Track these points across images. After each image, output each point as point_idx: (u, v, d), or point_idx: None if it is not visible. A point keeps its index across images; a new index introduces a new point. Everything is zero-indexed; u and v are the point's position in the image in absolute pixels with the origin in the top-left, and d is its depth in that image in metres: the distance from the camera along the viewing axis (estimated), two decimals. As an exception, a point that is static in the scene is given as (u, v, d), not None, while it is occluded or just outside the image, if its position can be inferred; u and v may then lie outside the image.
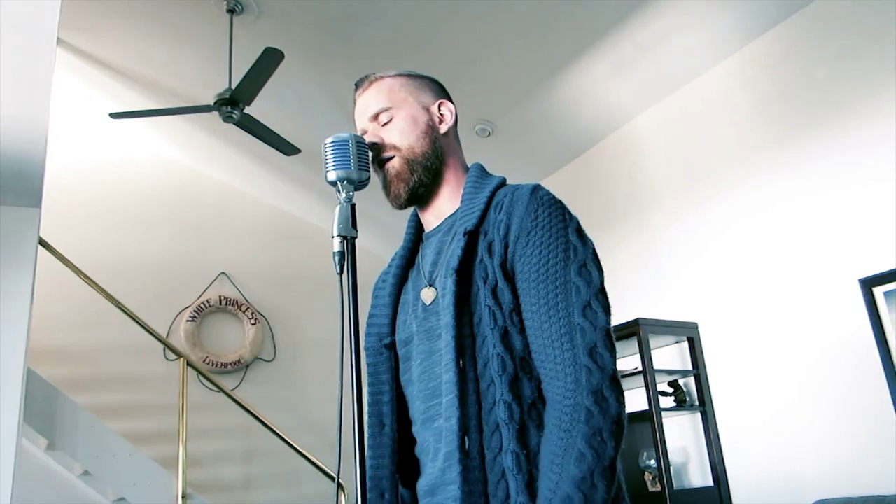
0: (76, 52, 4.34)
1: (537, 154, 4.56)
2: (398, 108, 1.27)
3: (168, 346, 4.57)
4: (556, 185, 4.56)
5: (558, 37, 3.56)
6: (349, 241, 1.13)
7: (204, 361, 5.03)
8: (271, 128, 3.91)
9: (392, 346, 1.27)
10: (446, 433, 1.09)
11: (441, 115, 1.30)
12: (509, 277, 1.12)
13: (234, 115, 3.64)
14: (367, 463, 1.18)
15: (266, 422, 4.43)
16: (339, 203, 1.17)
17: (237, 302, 5.32)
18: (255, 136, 3.89)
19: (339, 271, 1.11)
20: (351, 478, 1.04)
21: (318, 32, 3.78)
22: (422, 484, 1.18)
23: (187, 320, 5.11)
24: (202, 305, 5.20)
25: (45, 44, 1.72)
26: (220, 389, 4.50)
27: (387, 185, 1.27)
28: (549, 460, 1.00)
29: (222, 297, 5.28)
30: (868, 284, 2.81)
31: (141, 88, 4.64)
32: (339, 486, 4.19)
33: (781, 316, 3.15)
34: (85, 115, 5.06)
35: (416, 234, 1.35)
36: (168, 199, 5.37)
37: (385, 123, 1.27)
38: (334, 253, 1.12)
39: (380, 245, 5.27)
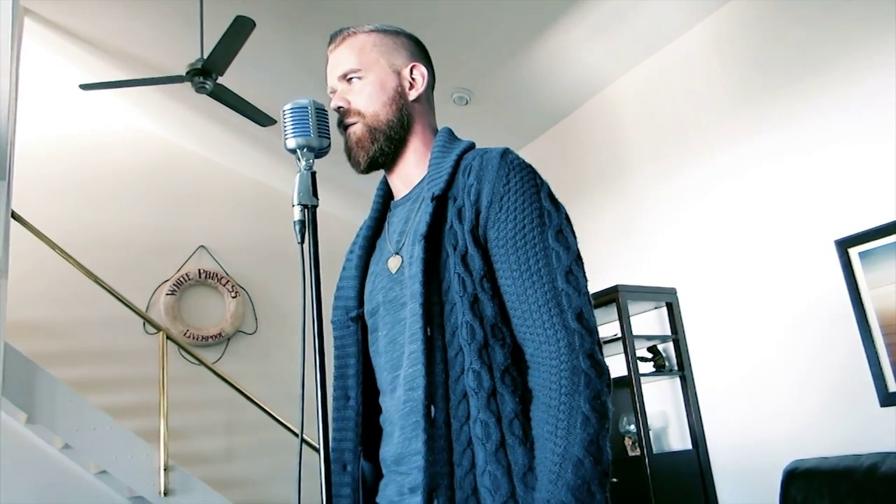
0: (45, 23, 4.24)
1: (516, 121, 4.52)
2: (367, 71, 1.24)
3: (147, 320, 4.55)
4: (535, 153, 4.57)
5: (534, 1, 3.51)
6: (310, 210, 1.12)
7: (185, 335, 5.01)
8: (246, 98, 3.84)
9: (360, 319, 1.25)
10: (412, 402, 1.08)
11: (412, 79, 1.27)
12: (480, 244, 1.10)
13: (207, 86, 3.57)
14: (331, 436, 1.17)
15: (247, 393, 4.43)
16: (299, 171, 1.14)
17: (217, 275, 5.29)
18: (229, 106, 3.83)
19: (300, 241, 1.10)
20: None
21: (290, -1, 3.70)
22: (386, 454, 1.17)
23: (167, 294, 5.07)
24: (181, 279, 5.16)
25: (1, 15, 1.66)
26: (201, 362, 4.50)
27: (348, 151, 1.25)
28: (552, 425, 1.00)
29: (202, 271, 5.24)
30: (843, 245, 2.83)
31: (112, 59, 4.55)
32: (305, 441, 4.20)
33: (759, 279, 3.17)
34: (57, 87, 4.96)
35: (384, 202, 1.33)
36: (144, 172, 5.29)
37: (353, 84, 1.24)
38: (295, 222, 1.10)
39: (351, 211, 5.25)
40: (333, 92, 1.26)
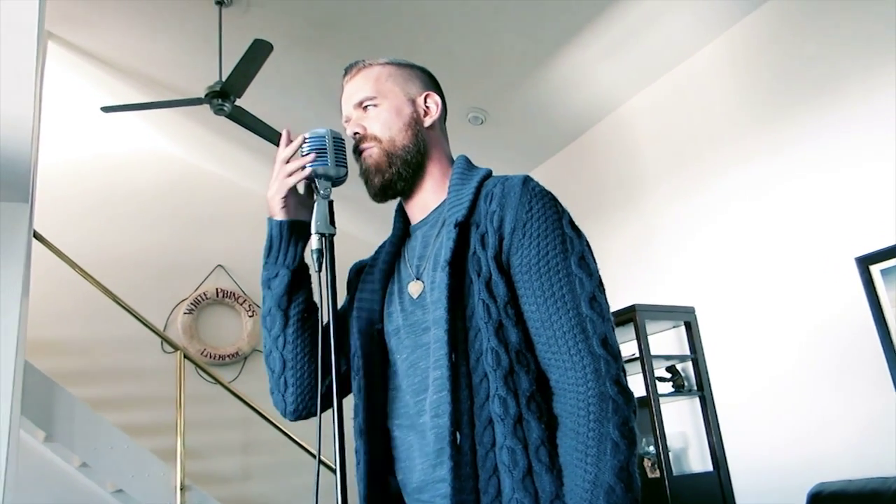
0: (68, 46, 4.33)
1: (531, 141, 4.53)
2: (383, 98, 1.25)
3: (165, 339, 4.57)
4: (550, 172, 4.56)
5: (548, 21, 3.53)
6: (327, 238, 1.13)
7: (202, 354, 5.03)
8: (263, 119, 3.89)
9: (381, 334, 1.24)
10: (437, 429, 1.07)
11: (426, 107, 1.28)
12: (503, 270, 1.10)
13: (225, 108, 3.62)
14: (364, 449, 1.16)
15: (263, 412, 4.43)
16: (317, 199, 1.16)
17: (234, 294, 5.32)
18: (246, 127, 3.87)
19: (317, 269, 1.11)
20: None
21: (307, 22, 3.75)
22: (407, 481, 1.16)
23: (184, 313, 5.11)
24: (199, 298, 5.19)
25: (26, 39, 1.70)
26: (217, 381, 4.51)
27: (365, 176, 1.25)
28: (582, 452, 0.99)
29: (219, 290, 5.27)
30: (865, 262, 2.79)
31: (133, 81, 4.63)
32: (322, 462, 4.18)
33: (779, 297, 3.14)
34: (79, 109, 5.04)
35: (403, 225, 1.33)
36: (164, 192, 5.36)
37: (368, 111, 1.25)
38: (312, 250, 1.12)
39: (367, 229, 5.27)
40: (348, 120, 1.27)
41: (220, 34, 3.73)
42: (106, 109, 3.65)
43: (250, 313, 5.31)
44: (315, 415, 1.24)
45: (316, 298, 1.18)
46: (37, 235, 3.89)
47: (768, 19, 3.29)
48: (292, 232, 1.23)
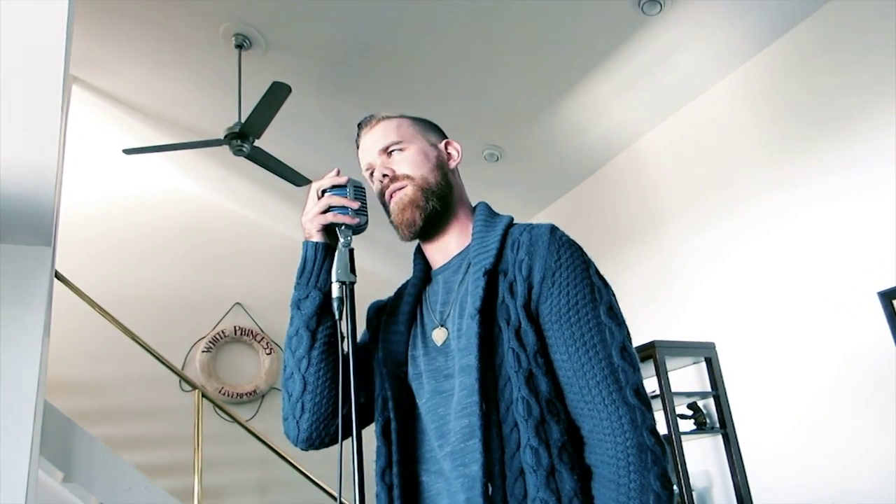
0: (91, 89, 4.43)
1: (546, 177, 4.55)
2: (409, 143, 1.26)
3: (183, 378, 4.58)
4: (566, 208, 4.58)
5: (562, 59, 3.57)
6: (348, 287, 1.13)
7: (220, 392, 5.03)
8: (281, 159, 3.94)
9: (406, 376, 1.24)
10: (466, 479, 1.06)
11: (449, 153, 1.31)
12: (533, 318, 1.10)
13: (245, 149, 3.68)
14: (385, 494, 1.16)
15: (281, 452, 4.40)
16: (338, 248, 1.17)
17: (252, 332, 5.33)
18: (265, 168, 3.92)
19: (338, 317, 1.11)
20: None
21: (325, 64, 3.82)
22: None
23: (203, 351, 5.12)
24: (217, 336, 5.21)
25: (52, 85, 1.74)
26: (235, 420, 4.50)
27: (399, 214, 1.24)
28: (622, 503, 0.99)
29: (237, 328, 5.29)
30: (888, 297, 2.75)
31: (155, 123, 4.72)
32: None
33: (800, 332, 3.09)
34: (101, 150, 5.15)
35: (423, 269, 1.33)
36: (183, 231, 5.42)
37: (394, 156, 1.26)
38: (333, 298, 1.12)
39: (386, 267, 5.28)
40: (370, 169, 1.28)
41: (239, 76, 3.80)
42: (128, 152, 3.72)
43: (268, 351, 5.32)
44: (327, 445, 1.24)
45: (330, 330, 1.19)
46: (58, 275, 3.94)
47: (783, 53, 3.31)
48: (327, 254, 1.23)
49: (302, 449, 1.26)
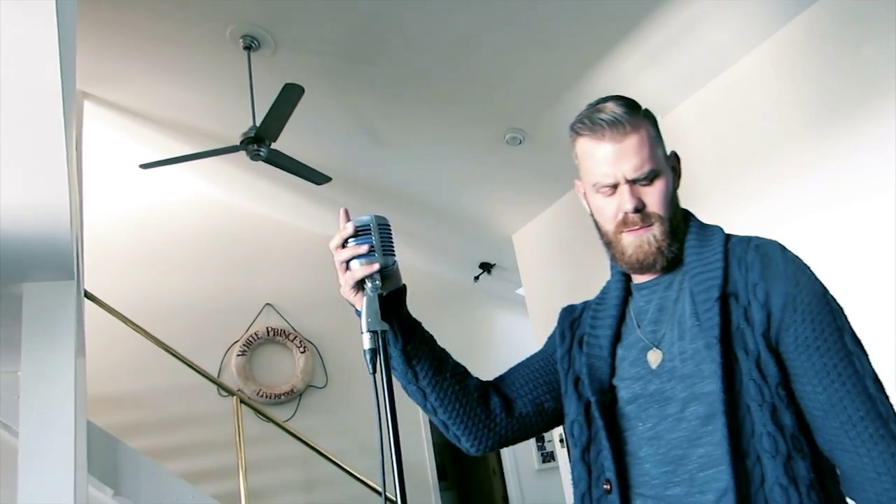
0: (103, 104, 4.38)
1: (570, 159, 4.39)
2: (662, 171, 1.14)
3: (220, 385, 4.60)
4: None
5: (584, 36, 3.42)
6: (380, 335, 1.06)
7: (258, 394, 5.04)
8: (299, 159, 3.87)
9: (611, 400, 1.17)
10: None
11: (676, 170, 1.20)
12: (773, 348, 1.04)
13: (262, 153, 3.61)
14: None
15: (321, 450, 4.42)
16: (365, 294, 1.10)
17: (285, 332, 5.33)
18: (284, 169, 3.86)
19: (371, 370, 1.05)
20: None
21: (336, 58, 3.72)
22: None
23: (237, 355, 5.13)
24: (251, 338, 5.21)
25: (54, 127, 1.68)
26: (274, 422, 4.51)
27: (639, 256, 1.14)
28: None
29: (270, 329, 5.29)
30: (944, 272, 2.61)
31: (170, 131, 4.67)
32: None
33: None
34: (119, 163, 5.12)
35: (625, 281, 1.24)
36: (208, 237, 5.40)
37: (645, 185, 1.13)
38: (365, 351, 1.05)
39: (423, 260, 5.22)
40: (610, 180, 1.13)
41: (250, 77, 3.72)
42: (145, 166, 3.67)
43: (302, 349, 5.31)
44: (500, 447, 1.29)
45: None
46: (87, 295, 3.94)
47: (821, 17, 3.10)
48: (382, 310, 1.14)
49: (477, 455, 1.31)
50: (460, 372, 1.27)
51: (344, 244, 1.14)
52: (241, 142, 3.62)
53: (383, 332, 1.07)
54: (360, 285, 1.13)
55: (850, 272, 2.92)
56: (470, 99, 3.94)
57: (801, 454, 1.00)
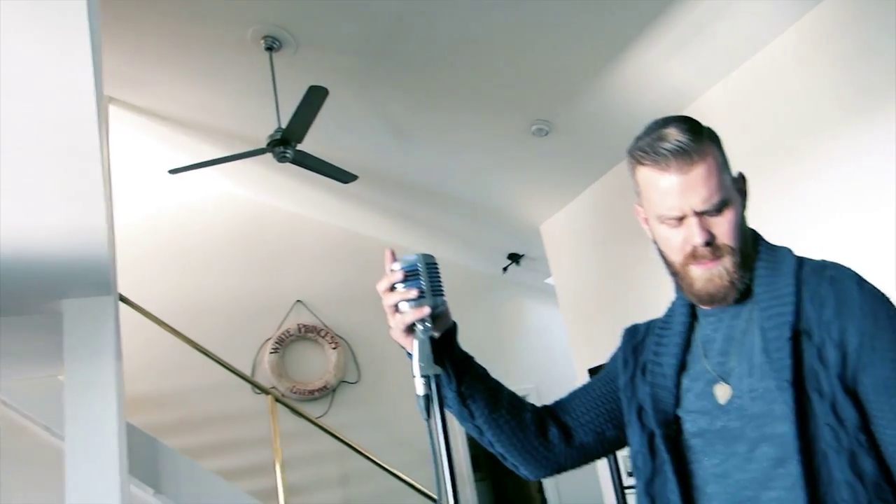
0: (128, 107, 4.42)
1: (599, 146, 4.36)
2: (731, 200, 1.07)
3: (254, 384, 4.65)
4: (621, 177, 4.37)
5: (609, 23, 3.36)
6: (433, 380, 1.04)
7: (291, 391, 5.09)
8: (325, 157, 3.87)
9: (676, 433, 1.13)
10: None
11: (744, 192, 1.13)
12: (849, 390, 0.98)
13: (288, 155, 3.62)
14: None
15: (354, 445, 4.45)
16: (416, 338, 1.07)
17: (316, 328, 5.36)
18: (310, 169, 3.86)
19: (426, 417, 1.02)
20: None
21: (358, 55, 3.70)
22: None
23: (270, 352, 5.18)
24: (283, 336, 5.25)
25: (91, 154, 1.70)
26: (308, 419, 4.55)
27: (710, 289, 1.09)
28: None
29: (301, 326, 5.33)
30: None
31: (195, 133, 4.69)
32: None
33: None
34: (147, 166, 5.17)
35: (690, 306, 1.18)
36: (237, 236, 5.45)
37: (715, 217, 1.07)
38: (419, 397, 1.03)
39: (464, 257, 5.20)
40: (678, 217, 1.08)
41: (273, 78, 3.73)
42: (174, 172, 3.69)
43: (333, 345, 5.34)
44: (559, 473, 1.29)
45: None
46: (122, 298, 3.99)
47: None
48: (434, 353, 1.12)
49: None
50: (516, 405, 1.23)
51: (392, 287, 1.10)
52: (268, 144, 3.63)
53: (436, 375, 1.05)
54: (410, 328, 1.10)
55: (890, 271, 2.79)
56: (494, 92, 3.90)
57: (884, 503, 0.94)
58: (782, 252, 1.11)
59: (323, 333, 5.37)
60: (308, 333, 5.34)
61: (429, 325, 1.08)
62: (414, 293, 1.07)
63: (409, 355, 1.10)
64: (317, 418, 4.66)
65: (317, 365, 5.34)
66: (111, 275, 2.28)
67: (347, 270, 5.62)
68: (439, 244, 5.73)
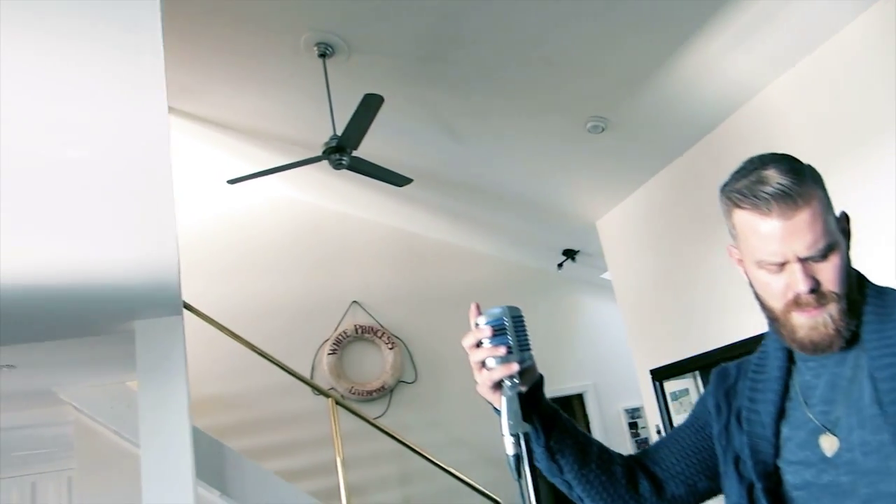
0: (185, 116, 4.49)
1: (657, 141, 4.25)
2: (837, 244, 1.02)
3: (314, 387, 4.70)
4: (680, 171, 4.27)
5: (669, 16, 3.25)
6: (523, 438, 1.02)
7: (350, 391, 5.14)
8: (379, 160, 3.87)
9: (776, 485, 1.08)
10: None
11: (848, 230, 1.07)
12: None
13: (344, 162, 3.63)
14: None
15: (412, 446, 4.47)
16: (504, 395, 1.04)
17: (372, 328, 5.39)
18: (366, 175, 3.87)
19: (517, 477, 1.00)
20: None
21: (410, 58, 3.68)
22: None
23: (328, 353, 5.23)
24: (340, 337, 5.30)
25: (163, 186, 1.73)
26: (367, 421, 4.58)
27: (814, 338, 1.03)
28: None
29: (357, 326, 5.36)
30: None
31: (251, 139, 4.75)
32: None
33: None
34: (203, 173, 5.26)
35: (787, 349, 1.11)
36: (292, 238, 5.51)
37: (819, 261, 1.02)
38: (509, 456, 1.00)
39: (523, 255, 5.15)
40: (781, 263, 1.02)
41: (326, 83, 3.73)
42: (232, 182, 3.74)
43: (390, 346, 5.37)
44: None
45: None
46: (185, 305, 4.07)
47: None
48: (521, 407, 1.09)
49: None
50: (606, 459, 1.20)
51: (478, 343, 1.08)
52: (324, 152, 3.65)
53: (525, 434, 1.03)
54: (498, 384, 1.07)
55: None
56: (548, 89, 3.83)
57: None
58: (892, 295, 1.05)
59: (379, 334, 5.40)
60: (365, 334, 5.37)
61: (517, 381, 1.05)
62: (502, 351, 1.04)
63: (497, 411, 1.07)
64: (375, 419, 4.70)
65: (374, 365, 5.38)
66: (179, 296, 2.33)
67: (402, 270, 5.64)
68: (494, 242, 5.69)
